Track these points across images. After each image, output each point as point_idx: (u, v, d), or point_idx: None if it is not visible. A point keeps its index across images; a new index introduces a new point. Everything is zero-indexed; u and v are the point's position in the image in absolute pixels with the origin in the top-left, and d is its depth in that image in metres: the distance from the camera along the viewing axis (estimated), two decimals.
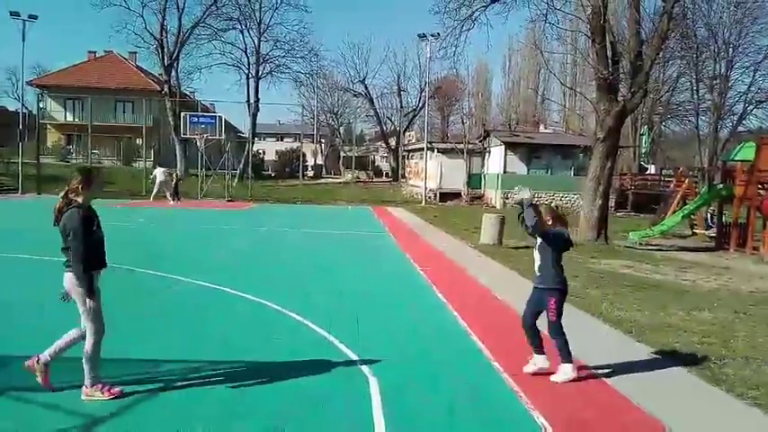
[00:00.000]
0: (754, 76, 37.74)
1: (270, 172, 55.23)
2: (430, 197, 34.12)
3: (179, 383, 4.66)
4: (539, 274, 5.19)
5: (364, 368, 5.20)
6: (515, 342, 6.30)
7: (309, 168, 57.04)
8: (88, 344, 4.27)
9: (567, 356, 5.09)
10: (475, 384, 5.01)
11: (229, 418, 4.11)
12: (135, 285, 8.44)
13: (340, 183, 48.75)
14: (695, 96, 39.69)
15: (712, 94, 38.15)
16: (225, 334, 6.20)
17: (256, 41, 43.56)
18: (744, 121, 39.08)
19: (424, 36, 34.43)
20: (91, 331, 4.27)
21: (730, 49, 37.30)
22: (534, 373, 5.15)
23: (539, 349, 5.21)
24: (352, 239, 16.21)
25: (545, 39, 33.36)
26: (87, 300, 4.23)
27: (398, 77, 56.33)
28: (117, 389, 4.35)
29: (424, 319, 7.34)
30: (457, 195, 34.69)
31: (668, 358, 5.84)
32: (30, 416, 4.04)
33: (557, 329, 5.09)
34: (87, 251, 4.18)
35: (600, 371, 5.38)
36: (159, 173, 27.62)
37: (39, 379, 4.30)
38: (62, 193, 4.31)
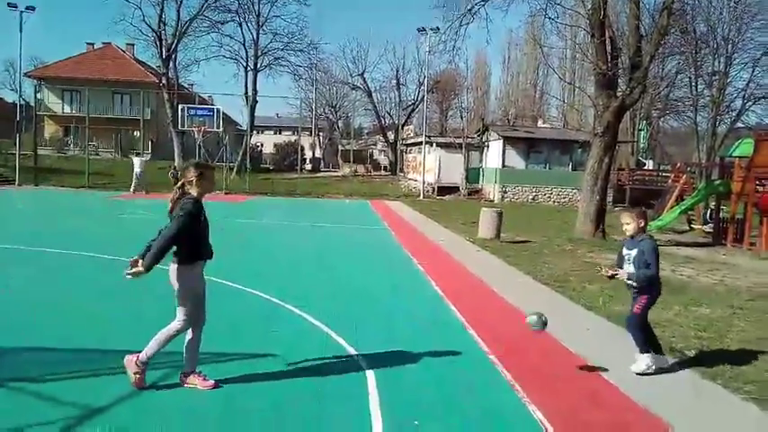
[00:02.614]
0: (752, 72, 37.84)
1: (268, 165, 55.14)
2: (428, 191, 34.12)
3: (173, 375, 4.65)
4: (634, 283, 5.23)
5: (362, 362, 5.21)
6: (513, 338, 6.33)
7: (307, 161, 56.98)
8: (173, 328, 4.39)
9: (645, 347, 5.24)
10: (473, 380, 5.02)
11: (226, 412, 4.11)
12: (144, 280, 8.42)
13: (338, 176, 48.71)
14: (694, 92, 39.68)
15: (711, 89, 38.16)
16: (222, 326, 6.19)
17: (255, 34, 43.34)
18: (742, 118, 39.14)
19: (423, 30, 34.37)
20: (180, 316, 4.40)
21: (729, 46, 37.30)
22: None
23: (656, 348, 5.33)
24: (350, 233, 16.21)
25: (544, 33, 33.36)
26: (183, 290, 4.34)
27: (397, 71, 56.32)
28: (211, 381, 4.47)
29: (422, 313, 7.34)
30: (455, 189, 34.69)
31: (666, 353, 5.85)
32: (26, 407, 4.02)
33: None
34: (193, 241, 4.30)
35: (598, 366, 5.39)
36: (138, 163, 27.39)
37: (133, 378, 4.33)
38: (178, 185, 4.41)
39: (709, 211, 19.89)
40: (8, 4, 30.59)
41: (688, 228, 20.33)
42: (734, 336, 6.65)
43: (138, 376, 4.33)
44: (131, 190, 26.71)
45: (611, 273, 5.32)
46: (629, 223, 5.26)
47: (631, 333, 5.27)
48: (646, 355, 5.21)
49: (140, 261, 4.20)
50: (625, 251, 5.31)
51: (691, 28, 32.70)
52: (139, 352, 4.36)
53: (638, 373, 5.15)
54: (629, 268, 5.21)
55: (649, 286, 5.19)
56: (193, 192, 4.37)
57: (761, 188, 16.16)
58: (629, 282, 5.22)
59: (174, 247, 4.28)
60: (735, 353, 5.94)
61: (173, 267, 4.34)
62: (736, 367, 5.47)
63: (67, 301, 7.10)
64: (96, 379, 4.55)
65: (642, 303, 5.21)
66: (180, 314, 4.38)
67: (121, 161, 37.70)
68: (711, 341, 6.37)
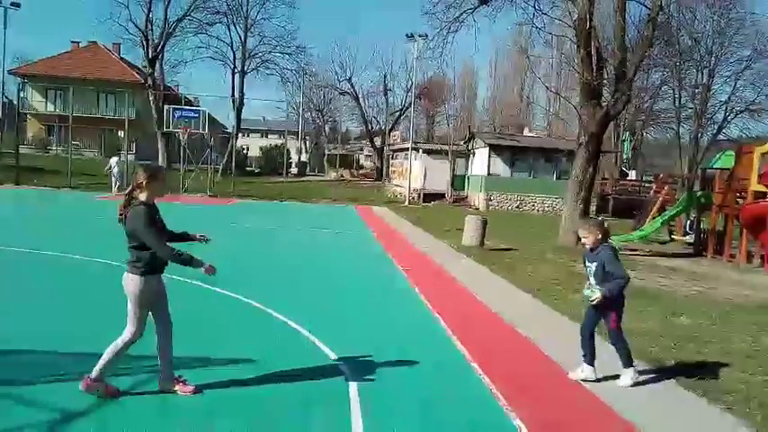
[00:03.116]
0: (735, 85, 38.46)
1: (253, 168, 54.94)
2: (413, 197, 34.16)
3: (153, 381, 4.60)
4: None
5: (343, 368, 5.18)
6: (494, 344, 6.35)
7: (293, 165, 56.81)
8: (122, 340, 4.23)
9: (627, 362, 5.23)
10: (453, 386, 5.03)
11: (207, 417, 4.08)
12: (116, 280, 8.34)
13: (324, 181, 48.64)
14: (677, 104, 40.22)
15: (694, 102, 38.72)
16: (204, 332, 6.14)
17: (243, 36, 43.34)
18: (724, 130, 39.72)
19: (411, 36, 34.50)
20: (130, 329, 4.23)
21: (713, 59, 37.88)
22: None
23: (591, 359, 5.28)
24: (334, 238, 16.18)
25: (531, 43, 33.63)
26: (139, 299, 4.20)
27: (385, 77, 56.45)
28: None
29: (405, 319, 7.34)
30: (440, 196, 34.77)
31: (644, 363, 5.90)
32: (5, 411, 3.97)
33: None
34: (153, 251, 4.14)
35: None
36: (114, 162, 27.04)
37: (103, 394, 4.22)
38: (127, 190, 4.28)
39: (689, 222, 20.11)
40: None
41: (669, 239, 20.53)
42: (713, 346, 6.72)
43: (103, 390, 4.21)
44: (114, 191, 26.30)
45: (595, 298, 5.12)
46: (586, 237, 5.22)
47: (618, 347, 5.24)
48: (631, 368, 5.23)
49: None
50: (587, 263, 5.28)
51: (675, 40, 33.17)
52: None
53: (624, 387, 5.15)
54: (591, 280, 5.18)
55: (618, 296, 5.13)
56: (143, 196, 4.23)
57: (741, 200, 16.37)
58: (598, 298, 5.05)
59: (135, 256, 4.16)
60: (713, 363, 5.99)
61: (131, 277, 4.19)
62: (715, 378, 5.53)
63: (43, 301, 7.00)
64: (76, 383, 4.47)
65: (615, 316, 5.16)
66: (130, 325, 4.23)
67: (105, 161, 37.35)
68: (690, 352, 6.42)
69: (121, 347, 4.23)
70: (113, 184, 26.50)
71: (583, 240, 5.29)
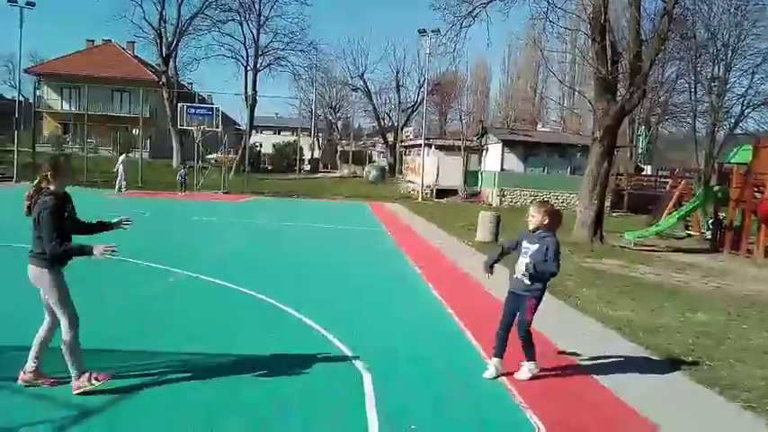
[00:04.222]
0: (752, 78, 37.93)
1: (267, 165, 55.13)
2: (426, 194, 34.10)
3: (171, 376, 4.64)
4: (527, 282, 4.99)
5: (357, 363, 5.19)
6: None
7: (306, 162, 56.92)
8: (66, 335, 4.15)
9: (531, 355, 5.14)
10: (468, 382, 5.01)
11: (222, 412, 4.10)
12: (131, 276, 8.42)
13: (337, 177, 48.68)
14: (693, 98, 39.75)
15: (710, 95, 38.22)
16: (220, 328, 6.18)
17: (255, 33, 43.41)
18: (741, 124, 39.22)
19: (424, 32, 34.37)
20: (65, 323, 4.16)
21: (729, 52, 37.38)
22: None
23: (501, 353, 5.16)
24: (347, 234, 16.19)
25: (545, 37, 33.35)
26: (56, 290, 4.11)
27: (397, 73, 56.31)
28: (104, 374, 4.29)
29: (419, 315, 7.33)
30: (453, 192, 34.67)
31: (661, 359, 5.85)
32: (23, 408, 4.00)
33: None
34: (60, 241, 4.05)
35: (593, 371, 5.39)
36: (121, 161, 26.84)
37: (44, 385, 4.26)
38: (34, 182, 4.21)
39: (708, 221, 19.81)
40: (8, 0, 30.57)
41: (685, 234, 20.33)
42: (730, 343, 6.65)
43: (96, 380, 4.22)
44: (122, 190, 26.11)
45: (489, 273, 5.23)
46: (534, 216, 5.01)
47: (522, 339, 5.08)
48: (532, 362, 5.13)
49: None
50: (525, 244, 5.03)
51: (691, 33, 32.74)
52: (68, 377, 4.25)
53: (521, 380, 5.02)
54: (524, 260, 4.97)
55: (542, 288, 5.03)
56: (51, 186, 4.15)
57: (759, 195, 16.16)
58: (521, 276, 4.97)
59: (41, 247, 4.09)
60: (732, 360, 5.93)
61: (41, 271, 4.12)
62: (734, 374, 5.46)
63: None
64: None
65: (532, 306, 5.04)
66: (64, 319, 4.15)
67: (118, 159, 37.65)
68: (708, 348, 6.36)
69: (73, 342, 4.17)
70: (118, 183, 26.36)
71: (528, 218, 5.07)
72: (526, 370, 5.11)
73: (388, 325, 6.74)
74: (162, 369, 4.72)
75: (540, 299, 5.08)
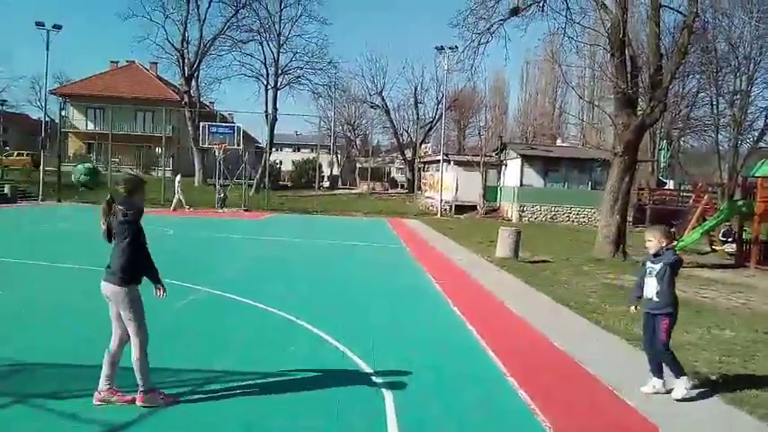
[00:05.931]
0: None
1: (286, 182, 55.53)
2: (445, 209, 34.05)
3: (194, 394, 4.66)
4: (657, 300, 5.15)
5: (379, 381, 5.17)
6: (528, 357, 6.25)
7: (325, 179, 57.22)
8: (138, 353, 4.29)
9: (678, 372, 5.18)
10: (489, 399, 4.97)
11: (244, 430, 4.10)
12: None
13: (355, 194, 48.85)
14: (715, 111, 39.28)
15: (732, 109, 37.72)
16: (241, 344, 6.21)
17: (275, 53, 44.00)
18: (765, 137, 38.58)
19: (441, 48, 34.58)
20: (137, 341, 4.31)
21: (751, 65, 36.93)
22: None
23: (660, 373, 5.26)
24: (366, 251, 16.20)
25: (563, 52, 33.25)
26: (133, 308, 4.28)
27: (415, 89, 56.60)
28: (172, 396, 4.42)
29: (440, 332, 7.29)
30: (473, 208, 34.58)
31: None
32: (48, 424, 4.05)
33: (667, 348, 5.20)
34: (134, 257, 4.26)
35: (617, 388, 5.30)
36: (179, 181, 28.02)
37: (118, 402, 4.32)
38: (107, 199, 4.34)
39: (724, 230, 19.48)
40: (36, 23, 31.46)
41: (710, 249, 20.00)
42: (759, 361, 6.50)
43: (161, 399, 4.34)
44: (184, 207, 27.57)
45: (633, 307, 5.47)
46: (650, 240, 5.27)
47: (666, 361, 5.19)
48: (684, 378, 5.15)
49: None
50: (649, 265, 5.27)
51: (711, 47, 32.48)
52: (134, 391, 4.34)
53: (677, 399, 5.05)
54: (651, 282, 5.16)
55: (674, 306, 5.15)
56: (130, 203, 4.38)
57: None
58: (653, 298, 5.15)
59: (119, 265, 4.25)
60: (760, 379, 5.79)
61: (120, 289, 4.25)
62: (763, 394, 5.33)
63: (86, 315, 7.16)
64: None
65: (666, 327, 5.13)
66: (137, 337, 4.31)
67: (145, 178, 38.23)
68: (735, 366, 6.23)
69: (144, 359, 4.30)
70: (176, 201, 27.52)
71: (647, 244, 5.32)
72: (682, 388, 5.12)
73: (409, 342, 6.70)
74: (183, 387, 4.74)
75: (673, 317, 5.19)
